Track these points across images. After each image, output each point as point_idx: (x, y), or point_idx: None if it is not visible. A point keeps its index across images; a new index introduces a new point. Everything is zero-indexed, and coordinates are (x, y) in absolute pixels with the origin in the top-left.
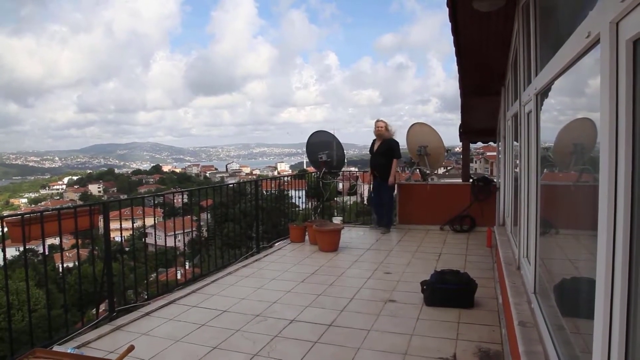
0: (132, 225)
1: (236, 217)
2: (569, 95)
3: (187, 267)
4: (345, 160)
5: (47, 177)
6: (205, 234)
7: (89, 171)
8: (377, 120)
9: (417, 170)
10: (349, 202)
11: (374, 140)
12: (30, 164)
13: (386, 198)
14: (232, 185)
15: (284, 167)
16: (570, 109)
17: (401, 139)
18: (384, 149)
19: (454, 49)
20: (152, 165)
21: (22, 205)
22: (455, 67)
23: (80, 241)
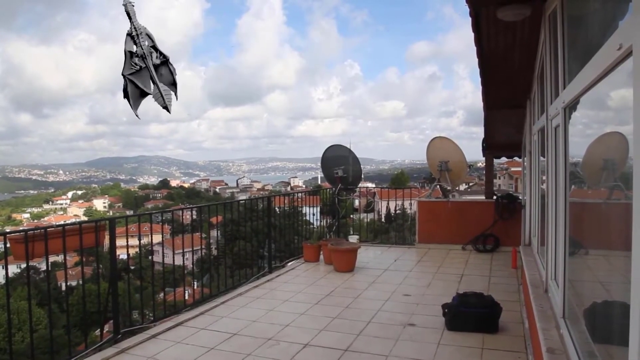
0: (139, 243)
1: (247, 235)
2: (599, 109)
3: (195, 287)
4: (362, 176)
5: (50, 191)
6: (214, 252)
7: (94, 185)
8: None
9: (438, 186)
10: (365, 220)
11: None
12: (34, 177)
13: None
14: (243, 201)
15: (298, 183)
16: (600, 122)
17: (422, 153)
18: None
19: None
20: (159, 179)
21: (24, 220)
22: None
23: (84, 259)
